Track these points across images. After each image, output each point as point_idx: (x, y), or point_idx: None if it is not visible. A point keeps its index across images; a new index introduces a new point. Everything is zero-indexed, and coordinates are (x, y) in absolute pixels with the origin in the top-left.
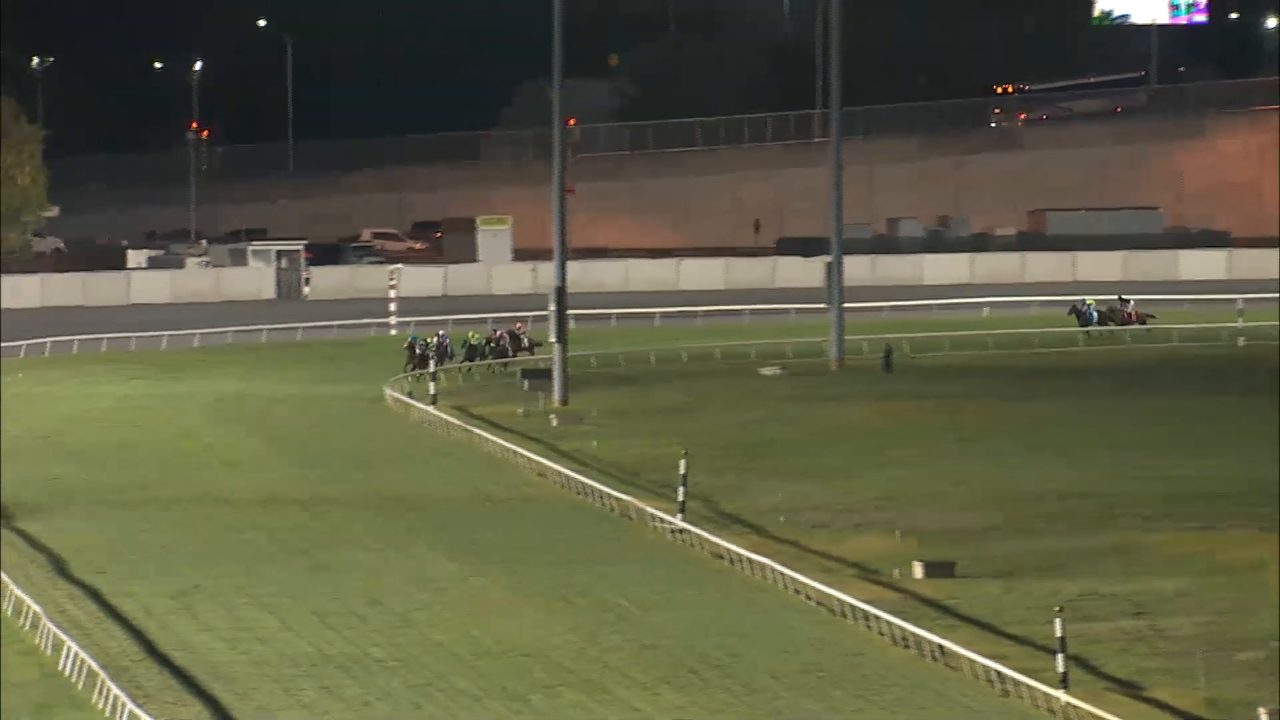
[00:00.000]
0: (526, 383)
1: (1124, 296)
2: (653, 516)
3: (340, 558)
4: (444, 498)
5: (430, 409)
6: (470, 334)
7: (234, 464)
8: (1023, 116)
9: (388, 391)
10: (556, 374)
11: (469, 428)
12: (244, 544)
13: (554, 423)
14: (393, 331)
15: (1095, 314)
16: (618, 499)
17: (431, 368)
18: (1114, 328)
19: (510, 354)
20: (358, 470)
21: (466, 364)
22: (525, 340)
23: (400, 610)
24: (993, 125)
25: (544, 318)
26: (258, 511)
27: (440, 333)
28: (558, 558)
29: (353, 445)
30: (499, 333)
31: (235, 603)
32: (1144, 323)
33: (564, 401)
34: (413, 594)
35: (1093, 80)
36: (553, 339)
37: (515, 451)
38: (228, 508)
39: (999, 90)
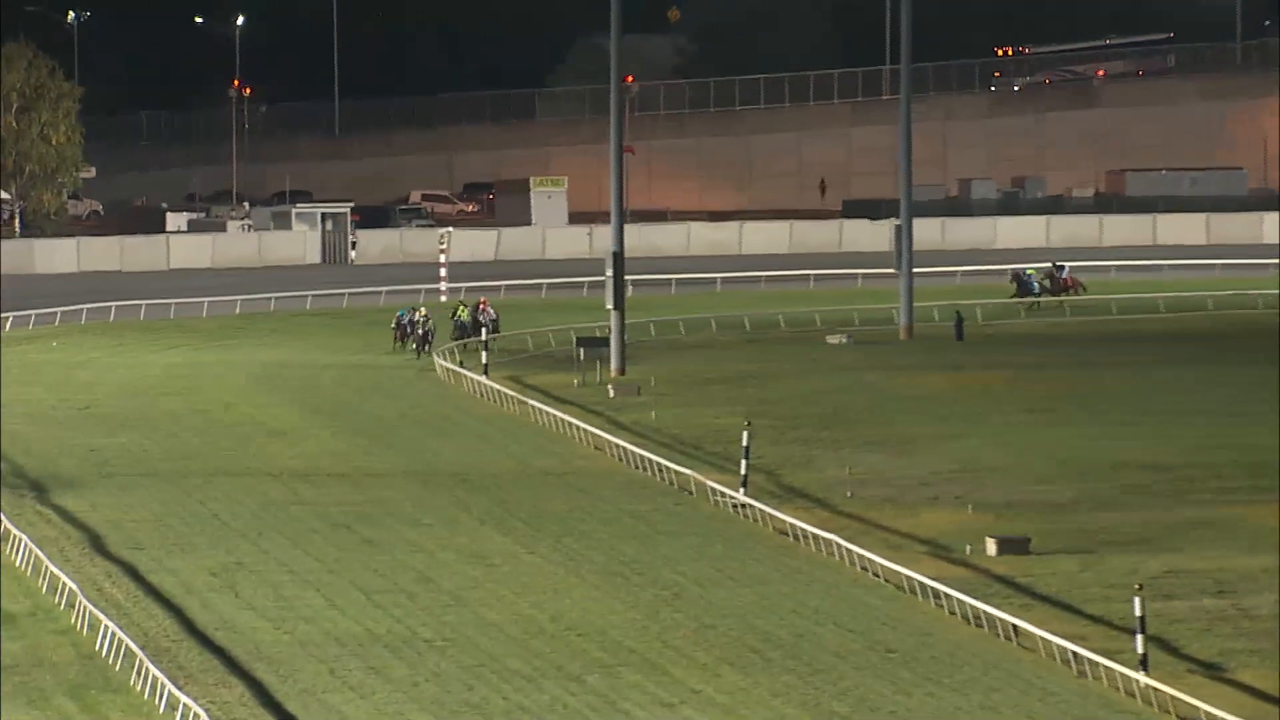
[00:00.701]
0: (582, 351)
1: (1059, 263)
2: (714, 490)
3: (388, 533)
4: (496, 471)
5: (482, 378)
6: (460, 309)
7: (278, 435)
8: (1101, 74)
9: (437, 360)
10: (613, 342)
11: (522, 398)
12: (288, 519)
13: (611, 393)
14: (443, 298)
15: (1037, 284)
16: (677, 472)
17: (449, 340)
18: (1058, 297)
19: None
20: (406, 442)
21: (459, 342)
22: (484, 318)
23: (450, 587)
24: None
25: (600, 283)
26: (302, 485)
27: (422, 308)
28: (615, 533)
29: (401, 416)
30: (484, 304)
31: (279, 580)
32: (1079, 291)
33: (621, 371)
34: (464, 570)
35: (1110, 42)
36: (610, 305)
37: (570, 423)
38: (271, 481)
39: (1001, 52)
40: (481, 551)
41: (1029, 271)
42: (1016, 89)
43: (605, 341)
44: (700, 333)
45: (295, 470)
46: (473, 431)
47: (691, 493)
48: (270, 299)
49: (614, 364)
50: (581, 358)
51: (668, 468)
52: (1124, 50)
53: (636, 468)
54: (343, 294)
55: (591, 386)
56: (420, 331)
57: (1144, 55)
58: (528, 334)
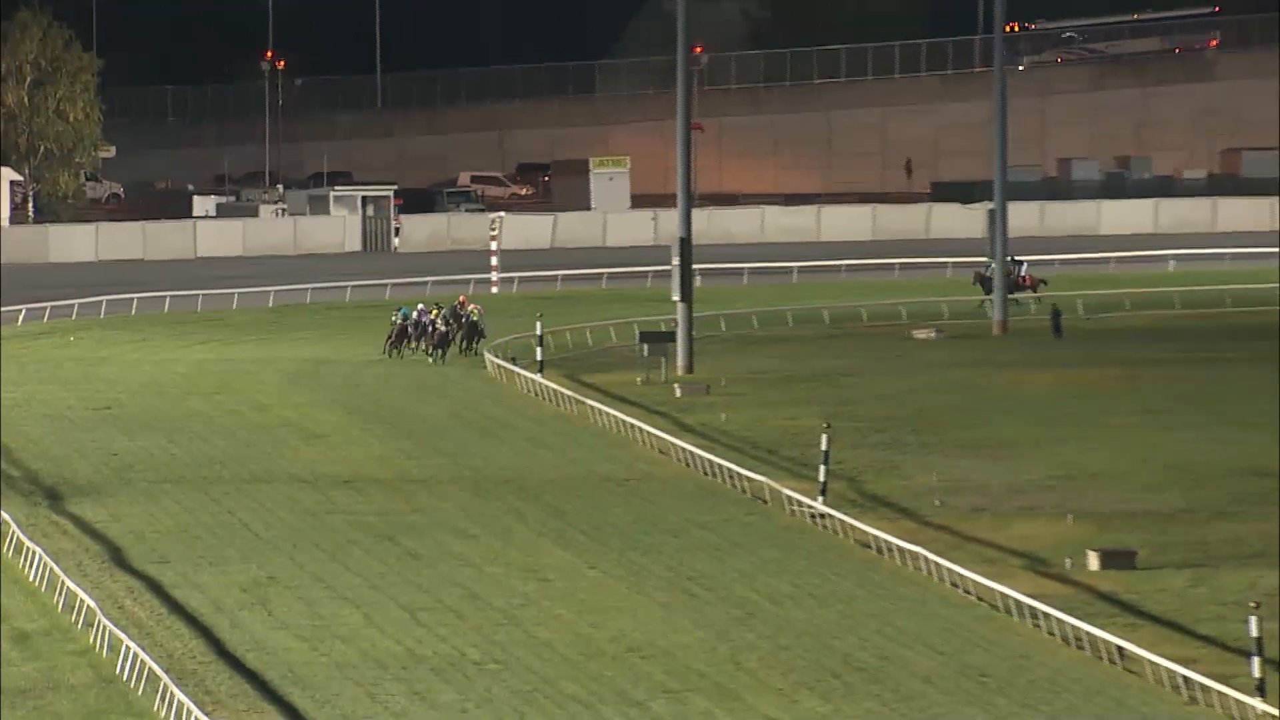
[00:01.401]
0: (646, 348)
1: (1016, 258)
2: (790, 499)
3: (434, 545)
4: (552, 478)
5: (537, 377)
6: (434, 311)
7: (315, 439)
8: (1214, 44)
9: (488, 357)
10: (680, 337)
11: (580, 398)
12: (325, 529)
13: (677, 393)
14: (494, 289)
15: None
16: (750, 479)
17: (415, 344)
18: (1016, 296)
19: (471, 333)
20: (454, 446)
21: (437, 350)
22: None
23: (502, 605)
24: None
25: (665, 273)
26: (341, 492)
27: (420, 306)
28: (681, 545)
29: (448, 417)
30: (464, 302)
31: (315, 596)
32: (1036, 289)
33: (689, 369)
34: (516, 586)
35: (1149, 17)
36: (676, 297)
37: (633, 425)
38: (307, 488)
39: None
40: (536, 566)
41: (993, 267)
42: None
43: (671, 336)
44: (775, 327)
45: (334, 477)
46: (527, 434)
47: (766, 501)
48: (306, 290)
49: (681, 361)
50: (645, 354)
51: (740, 474)
52: (1234, 19)
53: (705, 474)
54: (385, 285)
55: (656, 385)
56: (434, 331)
57: (1260, 24)
58: (587, 328)
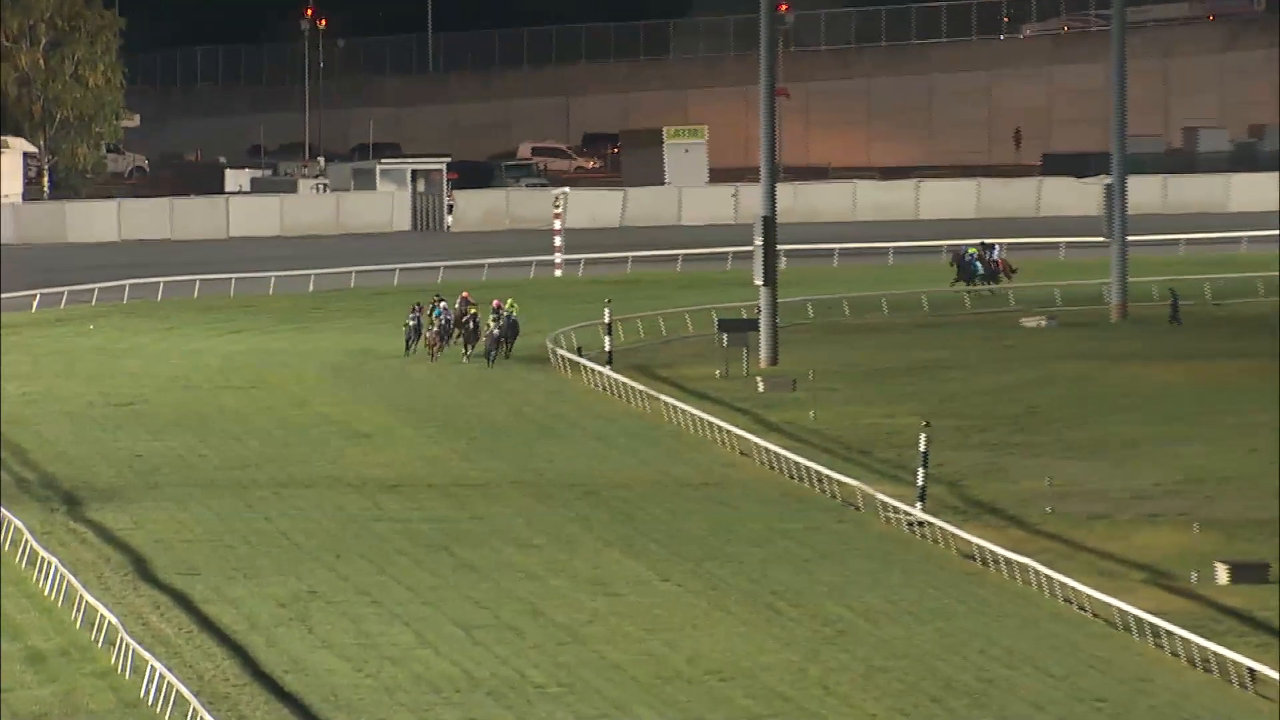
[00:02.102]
0: (725, 337)
1: (986, 242)
2: (885, 505)
3: (492, 556)
4: (622, 481)
5: (604, 370)
6: (509, 302)
7: (360, 438)
8: None
9: (552, 348)
10: (763, 326)
11: (653, 394)
12: (372, 538)
13: (760, 387)
14: (557, 272)
15: (979, 265)
16: (841, 483)
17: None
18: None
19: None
20: (513, 447)
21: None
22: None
23: (566, 622)
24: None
25: (747, 254)
26: (389, 498)
27: (438, 300)
28: (765, 556)
29: (507, 415)
30: (461, 300)
31: (361, 612)
32: (1010, 275)
33: (773, 361)
34: (582, 601)
35: None
36: (759, 281)
37: (711, 424)
38: (351, 493)
39: None
40: (604, 578)
41: (971, 251)
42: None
43: (754, 325)
44: (869, 314)
45: (381, 480)
46: (594, 434)
47: (858, 508)
48: (350, 274)
49: (764, 352)
50: (725, 345)
51: (829, 478)
52: None
53: (792, 478)
54: (437, 268)
55: (737, 379)
56: (472, 328)
57: None
58: (659, 316)
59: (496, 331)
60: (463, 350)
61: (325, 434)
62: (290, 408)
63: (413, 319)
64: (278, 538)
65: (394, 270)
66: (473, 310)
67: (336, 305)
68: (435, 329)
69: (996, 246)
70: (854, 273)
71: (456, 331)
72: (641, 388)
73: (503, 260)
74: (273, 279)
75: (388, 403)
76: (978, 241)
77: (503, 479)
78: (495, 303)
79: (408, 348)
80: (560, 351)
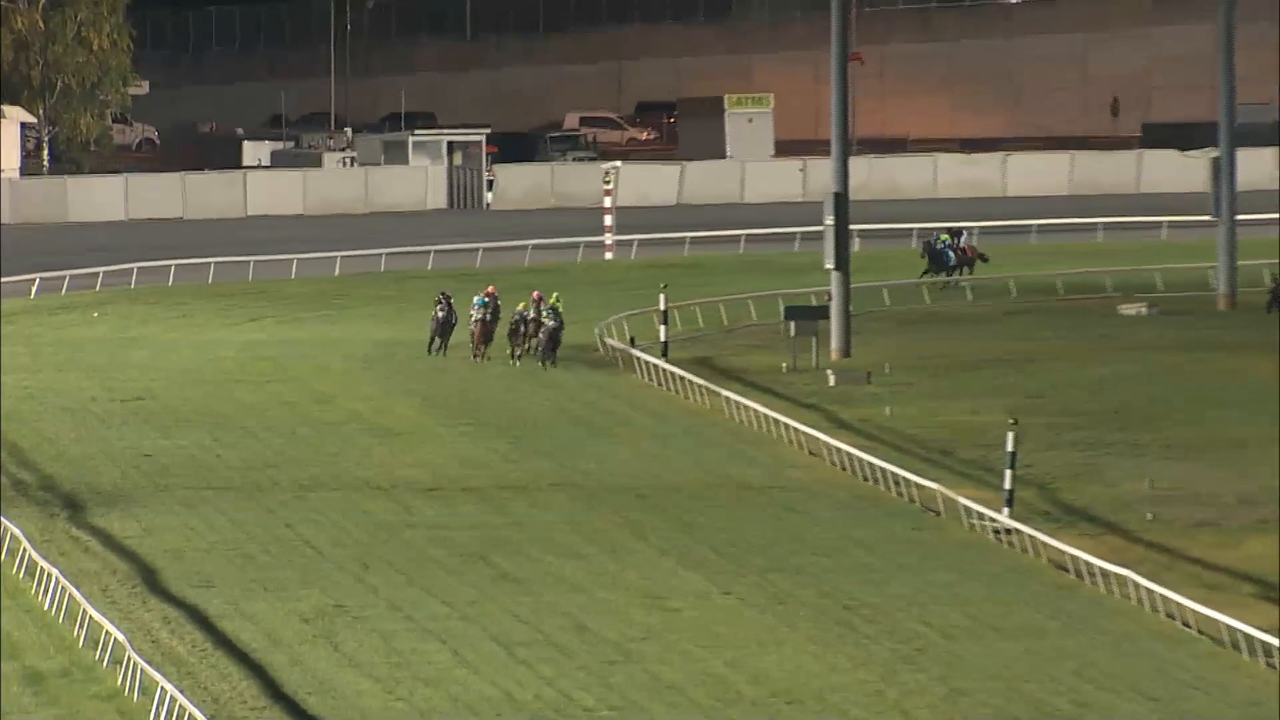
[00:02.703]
0: (793, 326)
1: (954, 227)
2: (968, 511)
3: (535, 567)
4: (678, 484)
5: (659, 362)
6: (555, 297)
7: (390, 437)
8: None
9: (601, 338)
10: (835, 314)
11: (714, 388)
12: (404, 547)
13: (831, 381)
14: (607, 255)
15: (952, 254)
16: (920, 486)
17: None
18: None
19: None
20: (559, 446)
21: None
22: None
23: (617, 639)
24: None
25: (817, 235)
26: (422, 502)
27: (481, 297)
28: (836, 567)
29: (552, 412)
30: (492, 293)
31: (392, 629)
32: (983, 261)
33: (845, 352)
34: (635, 617)
35: None
36: (830, 265)
37: (778, 421)
38: (381, 497)
39: None
40: (658, 591)
41: (943, 239)
42: None
43: (824, 312)
44: (951, 301)
45: (413, 483)
46: (648, 432)
47: (939, 513)
48: (380, 256)
49: (836, 342)
50: (792, 334)
51: (907, 480)
52: None
53: (865, 480)
54: (476, 249)
55: (806, 372)
56: (528, 325)
57: None
58: (720, 302)
59: (553, 323)
60: (534, 357)
61: (352, 432)
62: (313, 404)
63: (441, 310)
64: (300, 546)
65: (428, 252)
66: (554, 300)
67: (364, 291)
68: (479, 321)
69: (965, 233)
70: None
71: (529, 333)
72: (700, 381)
73: (547, 242)
74: (294, 262)
75: (420, 398)
76: (946, 227)
77: (546, 481)
78: (536, 295)
79: (431, 346)
80: (610, 342)
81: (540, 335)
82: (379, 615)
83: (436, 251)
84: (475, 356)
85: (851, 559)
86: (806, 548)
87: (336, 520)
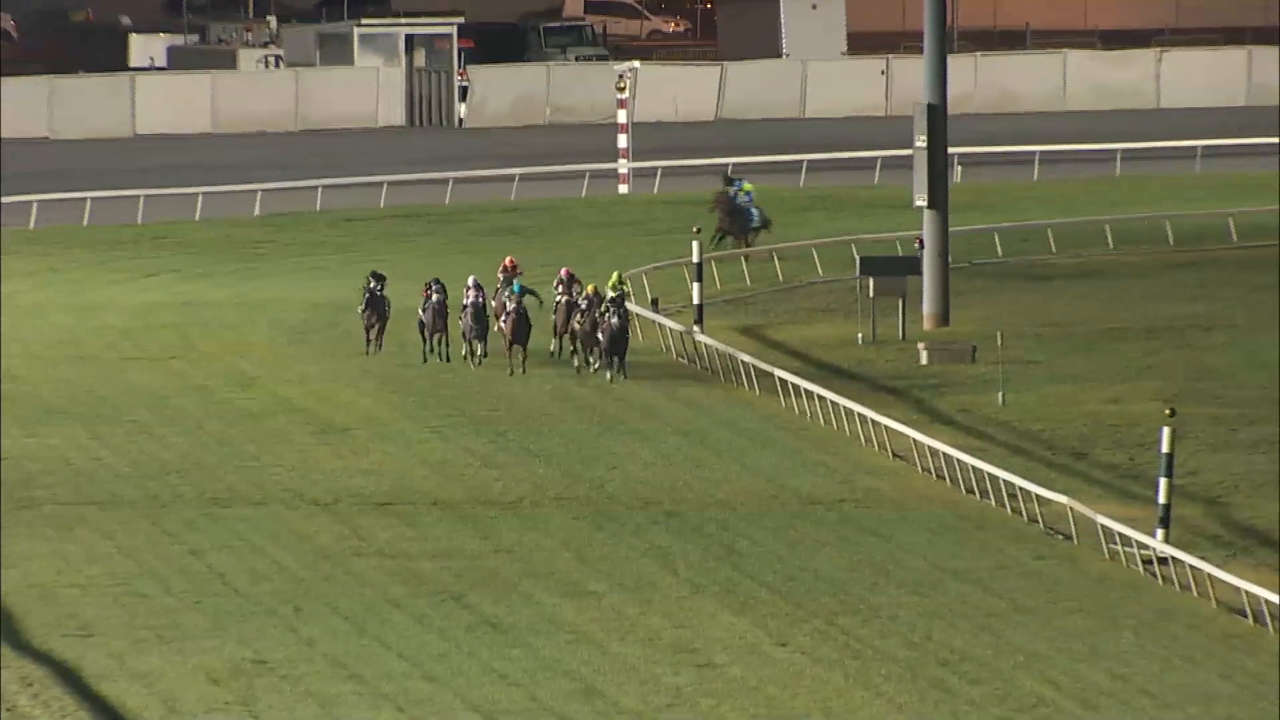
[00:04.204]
0: (871, 284)
1: (731, 175)
2: (1108, 533)
3: (527, 608)
4: (718, 498)
5: (694, 332)
6: (616, 277)
7: (333, 433)
8: None
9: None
10: (928, 268)
11: (765, 367)
12: (349, 582)
13: (923, 358)
14: (622, 188)
15: (755, 211)
16: (1042, 499)
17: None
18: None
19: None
20: (559, 446)
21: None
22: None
23: (636, 707)
24: None
25: (904, 161)
26: (376, 521)
27: (474, 284)
28: (930, 609)
29: (549, 400)
30: (513, 266)
31: (335, 691)
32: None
33: (942, 319)
34: (661, 676)
35: None
36: (921, 202)
37: (850, 412)
38: (321, 515)
39: None
40: (692, 641)
41: (746, 189)
42: None
43: (914, 266)
44: (1085, 248)
45: (365, 496)
46: (677, 427)
47: (1069, 537)
48: (316, 190)
49: (929, 306)
50: (871, 295)
51: (1027, 492)
52: None
53: (970, 492)
54: (445, 180)
55: (889, 346)
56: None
57: None
58: (772, 252)
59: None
60: (587, 361)
61: (282, 427)
62: (230, 388)
63: (435, 298)
64: (210, 581)
65: (380, 184)
66: (617, 279)
67: (298, 236)
68: (513, 314)
69: (739, 183)
70: (1063, 189)
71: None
72: (747, 358)
73: (541, 170)
74: (201, 198)
75: (375, 381)
76: (725, 170)
77: (543, 493)
78: (566, 272)
79: (425, 351)
80: (627, 305)
81: (600, 335)
82: (316, 675)
83: (391, 184)
84: (511, 369)
85: (950, 598)
86: (890, 583)
87: (260, 546)
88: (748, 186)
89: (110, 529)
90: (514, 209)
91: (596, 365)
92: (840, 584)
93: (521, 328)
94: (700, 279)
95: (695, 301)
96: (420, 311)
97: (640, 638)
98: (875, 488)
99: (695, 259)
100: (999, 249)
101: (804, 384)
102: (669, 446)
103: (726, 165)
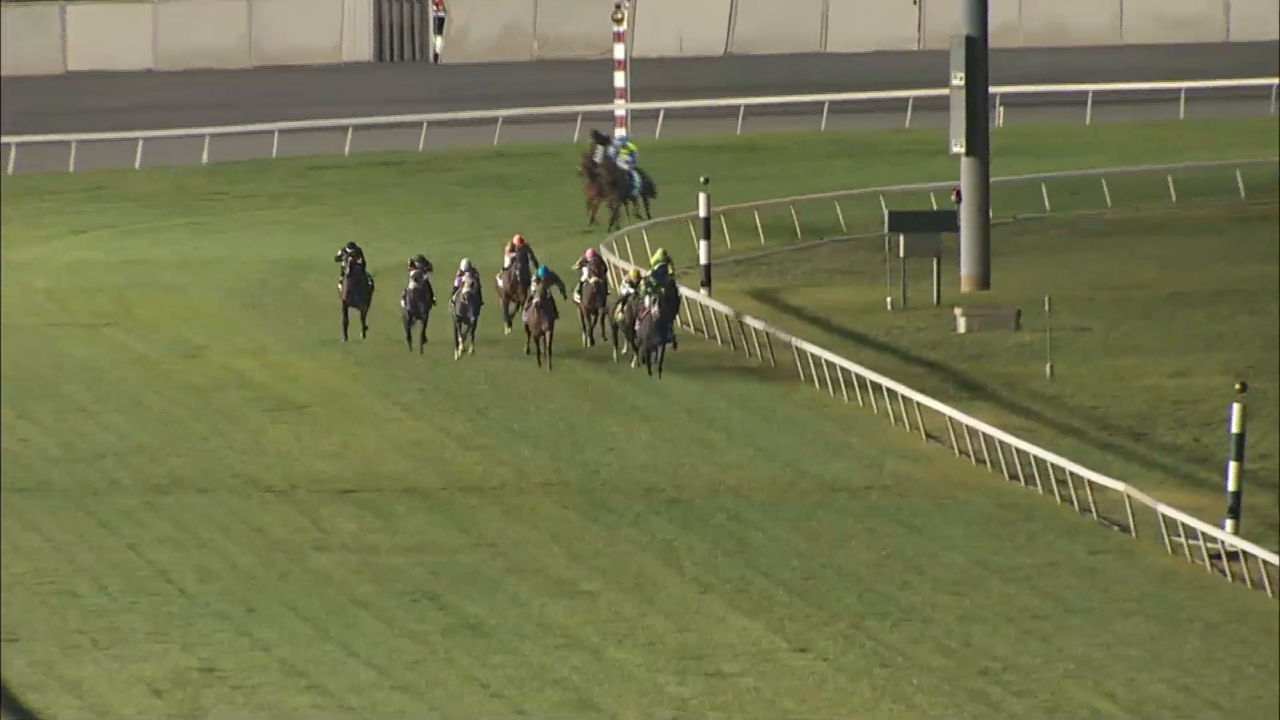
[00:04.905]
0: (902, 241)
1: (601, 134)
2: (1171, 524)
3: (511, 610)
4: (730, 484)
5: (700, 296)
6: (659, 254)
7: (292, 412)
8: None
9: (609, 259)
10: (966, 224)
11: (783, 335)
12: (310, 580)
13: (960, 325)
14: (619, 131)
15: (637, 175)
16: (1095, 486)
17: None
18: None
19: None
20: (548, 426)
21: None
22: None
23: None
24: None
25: (939, 102)
26: (340, 511)
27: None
28: (969, 610)
29: (536, 373)
30: (522, 244)
31: (291, 705)
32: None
33: (982, 281)
34: (665, 685)
35: None
36: (958, 148)
37: (879, 387)
38: (277, 503)
39: None
40: (700, 646)
41: (630, 148)
42: None
43: (949, 221)
44: (1145, 202)
45: (328, 482)
46: (681, 404)
47: (1127, 529)
48: (272, 134)
49: (967, 267)
50: (902, 254)
51: (1077, 477)
52: None
53: (1013, 478)
54: (418, 124)
55: (921, 311)
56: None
57: None
58: (790, 204)
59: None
60: (623, 348)
61: (234, 404)
62: (174, 359)
63: (412, 283)
64: (152, 579)
65: (344, 128)
66: (659, 256)
67: (250, 186)
68: (533, 302)
69: (615, 139)
70: (1120, 133)
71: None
72: (760, 325)
73: (527, 112)
74: (140, 143)
75: (340, 352)
76: (598, 132)
77: (531, 480)
78: (591, 253)
79: (409, 336)
80: (623, 265)
81: (639, 322)
82: (272, 685)
83: (358, 128)
84: (539, 359)
85: (991, 597)
86: (925, 581)
87: (208, 539)
88: (631, 146)
89: (38, 520)
90: (497, 155)
91: (634, 358)
92: (867, 582)
93: (550, 316)
94: (708, 236)
95: (702, 262)
96: (401, 300)
97: (640, 642)
98: (906, 473)
99: (702, 213)
100: (1046, 202)
101: (825, 355)
102: (672, 426)
103: (738, 106)
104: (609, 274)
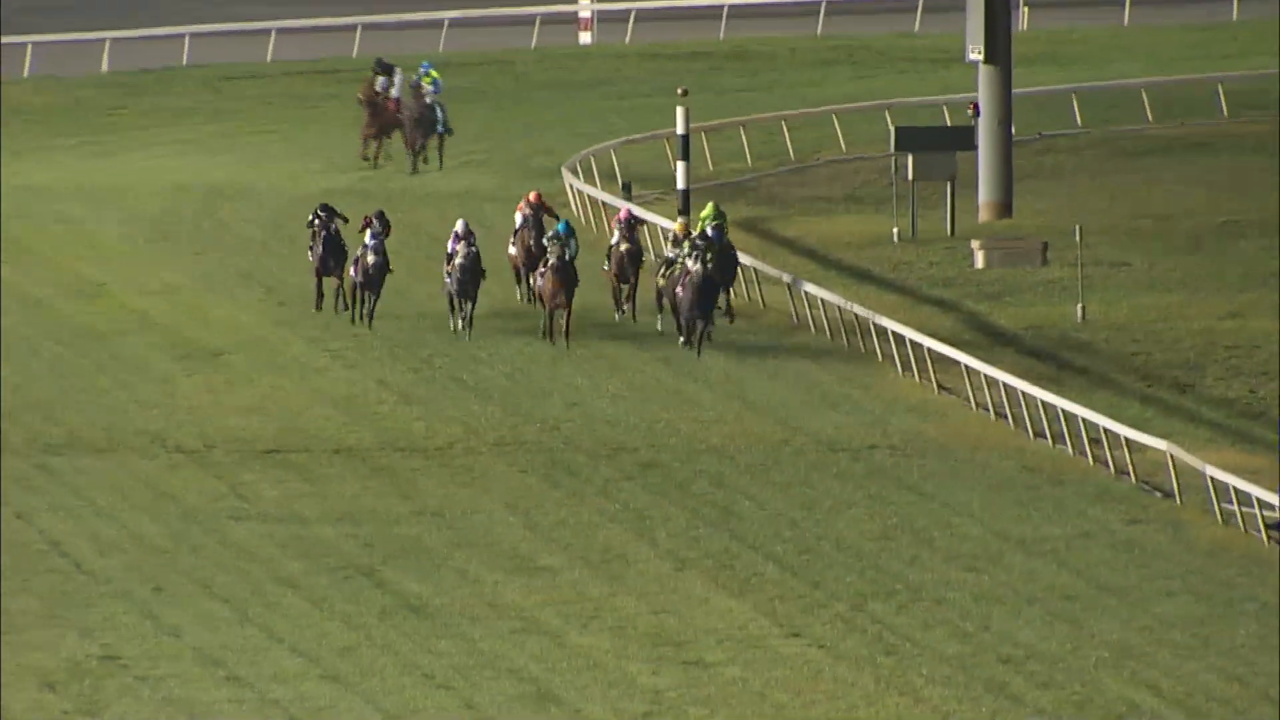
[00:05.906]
0: (910, 162)
1: (385, 62)
2: (1221, 489)
3: (460, 588)
4: (711, 443)
5: (676, 226)
6: (710, 209)
7: (206, 360)
8: None
9: (572, 183)
10: (983, 143)
11: (772, 271)
12: (227, 554)
13: (979, 260)
14: (584, 36)
15: (439, 109)
16: (1133, 445)
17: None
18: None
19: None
20: (500, 378)
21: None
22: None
23: (605, 716)
24: None
25: (951, 3)
26: (263, 475)
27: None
28: (988, 590)
29: (490, 315)
30: (538, 200)
31: (205, 700)
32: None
33: (1003, 208)
34: (635, 676)
35: None
36: (975, 55)
37: (885, 331)
38: (189, 465)
39: None
40: (676, 631)
41: (434, 75)
42: None
43: (965, 139)
44: (1191, 116)
45: (248, 441)
46: (655, 351)
47: (1170, 495)
48: (183, 38)
49: (986, 192)
50: (910, 177)
51: (1113, 435)
52: None
53: (1038, 436)
54: (352, 26)
55: (933, 244)
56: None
57: None
58: (781, 120)
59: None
60: (678, 326)
61: (139, 351)
62: (71, 299)
63: (371, 240)
64: (45, 554)
65: (267, 31)
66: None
67: (159, 100)
68: (556, 267)
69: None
70: (1161, 37)
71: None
72: (748, 261)
73: (477, 14)
74: (30, 47)
75: (262, 289)
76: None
77: (481, 439)
78: (625, 213)
79: (321, 301)
80: (586, 191)
81: (681, 287)
82: (183, 676)
83: (282, 31)
84: (552, 336)
85: (1015, 574)
86: (936, 555)
87: (108, 507)
88: (434, 73)
89: None
90: (444, 64)
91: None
92: (870, 557)
93: (569, 283)
94: (686, 157)
95: (680, 186)
96: (351, 267)
97: (608, 626)
98: (916, 430)
99: (680, 130)
100: (1078, 116)
101: (822, 294)
102: (645, 376)
103: (720, 6)
104: (646, 235)
